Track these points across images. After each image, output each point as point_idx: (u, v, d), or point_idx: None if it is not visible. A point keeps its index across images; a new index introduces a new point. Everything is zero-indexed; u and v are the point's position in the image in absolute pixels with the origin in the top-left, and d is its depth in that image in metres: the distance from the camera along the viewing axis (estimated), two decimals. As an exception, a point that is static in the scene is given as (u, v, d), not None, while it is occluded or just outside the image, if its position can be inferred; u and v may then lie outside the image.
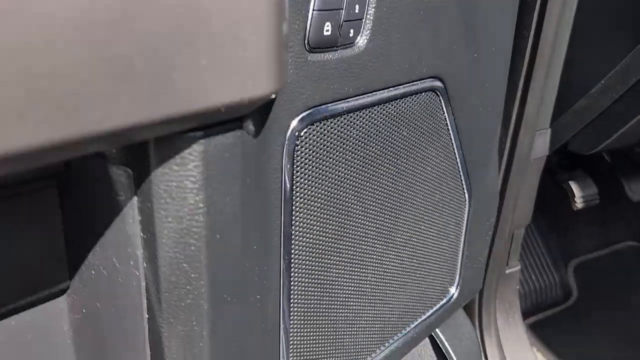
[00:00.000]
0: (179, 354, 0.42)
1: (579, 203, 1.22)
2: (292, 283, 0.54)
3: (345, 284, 0.62)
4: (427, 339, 0.95)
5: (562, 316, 1.53)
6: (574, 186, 1.24)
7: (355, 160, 0.57)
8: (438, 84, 0.64)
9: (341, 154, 0.55)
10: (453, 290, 0.84)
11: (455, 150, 0.72)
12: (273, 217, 0.49)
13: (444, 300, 0.83)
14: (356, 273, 0.63)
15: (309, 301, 0.57)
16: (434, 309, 0.81)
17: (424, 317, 0.79)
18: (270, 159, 0.47)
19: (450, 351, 0.90)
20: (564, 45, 1.04)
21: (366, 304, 0.67)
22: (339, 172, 0.55)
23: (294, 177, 0.50)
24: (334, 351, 0.64)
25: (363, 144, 0.57)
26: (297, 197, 0.51)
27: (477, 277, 0.90)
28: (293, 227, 0.52)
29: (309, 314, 0.58)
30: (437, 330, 0.93)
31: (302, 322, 0.58)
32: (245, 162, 0.41)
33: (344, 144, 0.55)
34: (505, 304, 1.31)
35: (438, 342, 0.92)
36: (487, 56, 0.72)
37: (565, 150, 1.31)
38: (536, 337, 1.44)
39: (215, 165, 0.38)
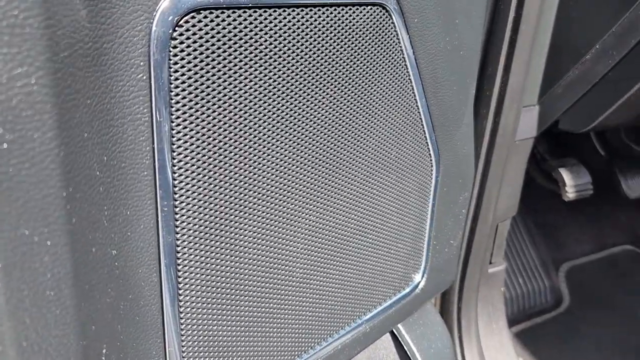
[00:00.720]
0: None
1: (570, 192, 1.08)
2: (178, 240, 0.39)
3: (265, 253, 0.47)
4: (390, 341, 0.79)
5: (552, 324, 1.40)
6: (565, 174, 1.10)
7: (275, 84, 0.43)
8: (390, -2, 0.50)
9: (251, 69, 0.40)
10: (418, 278, 0.69)
11: (417, 97, 0.58)
12: (136, 134, 0.34)
13: (407, 290, 0.68)
14: (281, 242, 0.48)
15: (208, 265, 0.42)
16: (394, 299, 0.66)
17: (379, 308, 0.64)
18: (122, 45, 0.32)
19: (417, 354, 0.75)
20: (554, 6, 0.91)
21: (297, 284, 0.52)
22: (249, 95, 0.41)
23: (172, 87, 0.36)
24: (252, 343, 0.49)
25: (285, 63, 0.43)
26: (179, 116, 0.37)
27: (449, 265, 0.75)
28: (176, 155, 0.37)
29: (208, 287, 0.43)
30: (402, 329, 0.78)
31: (200, 298, 0.43)
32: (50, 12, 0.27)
33: (255, 56, 0.40)
34: (489, 307, 1.17)
35: (403, 343, 0.77)
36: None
37: (555, 134, 1.17)
38: (523, 347, 1.30)
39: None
